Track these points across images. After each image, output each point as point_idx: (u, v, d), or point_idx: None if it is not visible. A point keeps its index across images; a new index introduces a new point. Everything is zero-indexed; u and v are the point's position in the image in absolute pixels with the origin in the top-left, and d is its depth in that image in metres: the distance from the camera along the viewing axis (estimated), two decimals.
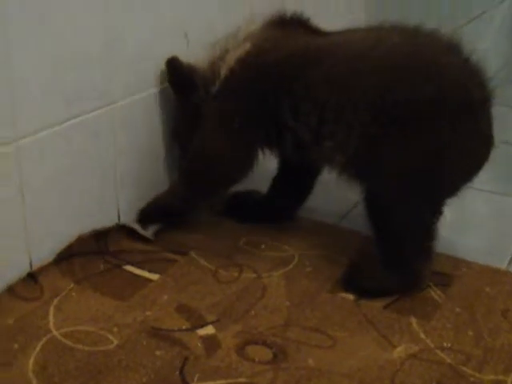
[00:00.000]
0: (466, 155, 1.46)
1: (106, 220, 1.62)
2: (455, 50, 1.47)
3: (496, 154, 1.53)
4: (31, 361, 1.23)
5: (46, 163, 1.44)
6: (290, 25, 1.60)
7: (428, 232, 1.49)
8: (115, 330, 1.32)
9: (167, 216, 1.66)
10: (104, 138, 1.56)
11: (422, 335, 1.35)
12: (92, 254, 1.54)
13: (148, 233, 1.62)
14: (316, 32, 1.61)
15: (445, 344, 1.33)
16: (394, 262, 1.48)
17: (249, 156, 1.59)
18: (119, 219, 1.65)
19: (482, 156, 1.49)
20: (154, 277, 1.49)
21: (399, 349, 1.31)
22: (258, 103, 1.53)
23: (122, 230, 1.62)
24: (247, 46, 1.57)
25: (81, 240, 1.54)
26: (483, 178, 1.54)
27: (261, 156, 1.60)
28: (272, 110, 1.52)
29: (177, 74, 1.64)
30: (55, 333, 1.31)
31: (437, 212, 1.53)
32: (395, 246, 1.48)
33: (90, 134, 1.53)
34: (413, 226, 1.46)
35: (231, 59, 1.57)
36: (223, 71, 1.57)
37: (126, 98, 1.59)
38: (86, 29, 1.46)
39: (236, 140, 1.57)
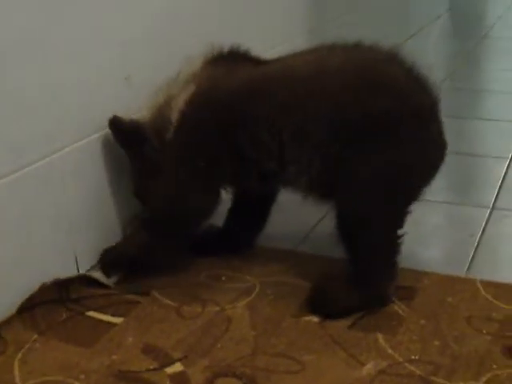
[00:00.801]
0: (424, 161, 1.49)
1: (65, 267, 1.60)
2: (397, 60, 1.51)
3: (447, 165, 1.55)
4: None
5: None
6: (230, 59, 1.60)
7: (396, 246, 1.50)
8: (82, 377, 1.31)
9: (131, 265, 1.63)
10: (54, 185, 1.55)
11: (390, 350, 1.36)
12: (54, 303, 1.52)
13: (110, 281, 1.61)
14: (257, 62, 1.61)
15: (412, 356, 1.34)
16: (362, 279, 1.48)
17: (213, 194, 1.59)
18: (77, 265, 1.63)
19: (438, 159, 1.52)
20: (118, 320, 1.48)
21: (368, 366, 1.32)
22: (215, 141, 1.53)
23: (83, 279, 1.60)
24: (192, 87, 1.57)
25: (42, 290, 1.52)
26: (436, 189, 1.56)
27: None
28: (230, 145, 1.52)
29: (122, 132, 1.63)
30: None
31: (402, 224, 1.54)
32: (366, 263, 1.49)
33: (40, 183, 1.52)
34: (383, 241, 1.49)
35: (179, 103, 1.56)
36: (174, 116, 1.56)
37: (74, 144, 1.59)
38: (27, 78, 1.46)
39: (198, 180, 1.56)
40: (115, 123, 1.62)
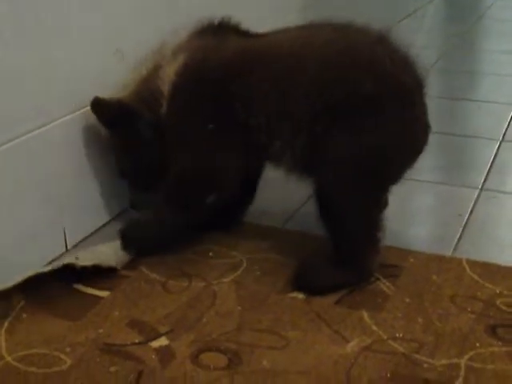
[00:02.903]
0: (408, 142, 1.49)
1: (54, 243, 1.61)
2: (385, 41, 1.50)
3: (434, 145, 1.56)
4: None
5: None
6: (220, 31, 1.60)
7: (376, 223, 1.50)
8: (68, 349, 1.31)
9: (158, 246, 1.62)
10: (43, 158, 1.55)
11: (374, 327, 1.37)
12: (44, 273, 1.51)
13: (118, 263, 1.58)
14: (247, 35, 1.62)
15: (397, 334, 1.35)
16: (345, 256, 1.49)
17: (234, 152, 1.57)
18: (66, 239, 1.64)
19: (422, 141, 1.52)
20: (105, 294, 1.48)
21: (352, 343, 1.33)
22: (212, 112, 1.53)
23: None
24: (181, 57, 1.56)
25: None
26: (425, 168, 1.57)
27: None
28: (228, 112, 1.52)
29: (107, 113, 1.61)
30: (8, 358, 1.30)
31: (383, 202, 1.56)
32: (346, 240, 1.49)
33: (29, 156, 1.52)
34: (362, 218, 1.48)
35: (169, 74, 1.56)
36: (164, 88, 1.56)
37: (63, 118, 1.59)
38: (15, 52, 1.45)
39: (214, 141, 1.55)
40: (98, 104, 1.60)
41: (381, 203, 1.55)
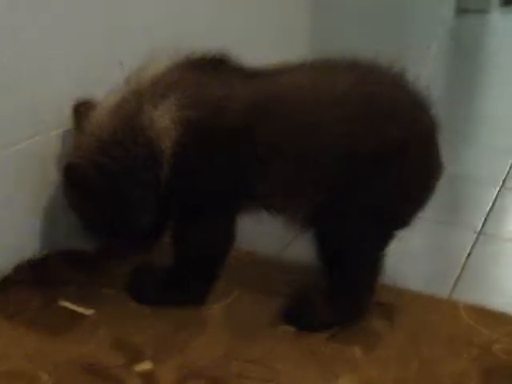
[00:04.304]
0: (424, 187, 1.46)
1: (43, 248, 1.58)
2: (402, 83, 1.44)
3: (439, 186, 1.52)
4: None
5: None
6: (219, 68, 1.43)
7: (378, 265, 1.47)
8: (50, 367, 1.27)
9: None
10: (35, 169, 1.51)
11: (366, 366, 1.32)
12: (27, 286, 1.48)
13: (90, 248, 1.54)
14: (249, 74, 1.44)
15: (389, 374, 1.30)
16: (341, 295, 1.45)
17: (234, 223, 1.48)
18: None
19: (436, 182, 1.48)
20: (90, 312, 1.44)
21: (341, 380, 1.28)
22: (233, 176, 1.41)
23: (60, 256, 1.56)
24: (172, 100, 1.36)
25: (17, 270, 1.49)
26: (427, 208, 1.53)
27: None
28: (241, 178, 1.40)
29: (89, 182, 1.38)
30: None
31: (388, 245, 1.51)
32: (346, 282, 1.45)
33: (20, 166, 1.49)
34: (366, 263, 1.45)
35: (164, 123, 1.35)
36: (164, 143, 1.36)
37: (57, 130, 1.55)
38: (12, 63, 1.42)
39: (222, 216, 1.45)
40: (74, 171, 1.39)
41: (388, 245, 1.49)
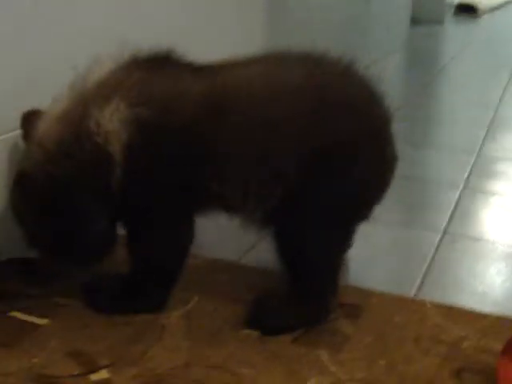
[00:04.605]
0: (379, 182, 1.43)
1: None
2: (354, 76, 1.41)
3: (401, 189, 1.51)
4: None
5: None
6: (164, 65, 1.37)
7: (339, 265, 1.43)
8: None
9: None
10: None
11: (333, 368, 1.27)
12: None
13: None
14: (198, 69, 1.38)
15: (357, 375, 1.25)
16: (304, 295, 1.40)
17: (192, 227, 1.42)
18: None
19: (391, 176, 1.45)
20: (43, 322, 1.37)
21: (310, 383, 1.23)
22: (181, 177, 1.34)
23: (9, 265, 1.50)
24: (119, 101, 1.30)
25: None
26: (389, 211, 1.51)
27: None
28: (196, 179, 1.35)
29: (41, 191, 1.32)
30: None
31: (348, 244, 1.48)
32: (307, 281, 1.40)
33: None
34: (328, 262, 1.40)
35: (112, 127, 1.29)
36: (114, 148, 1.30)
37: None
38: None
39: (178, 218, 1.40)
40: (25, 179, 1.33)
41: (348, 244, 1.47)
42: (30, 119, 1.41)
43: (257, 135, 1.33)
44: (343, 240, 1.43)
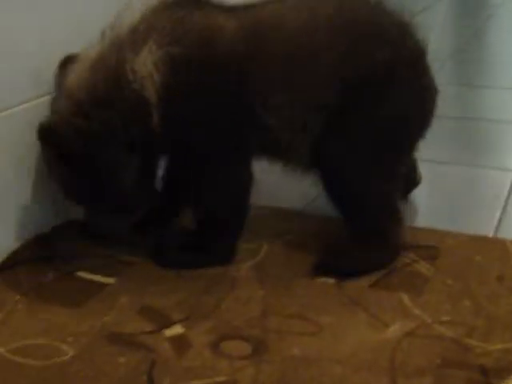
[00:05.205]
0: (423, 109, 1.39)
1: (48, 222, 1.46)
2: (385, 9, 1.38)
3: (465, 129, 1.54)
4: None
5: None
6: (187, 4, 1.33)
7: (395, 196, 1.38)
8: (70, 339, 1.15)
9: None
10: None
11: (416, 311, 1.21)
12: (39, 261, 1.37)
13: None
14: (230, 8, 1.36)
15: (443, 317, 1.19)
16: (369, 235, 1.36)
17: (249, 166, 1.38)
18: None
19: (433, 107, 1.41)
20: (110, 280, 1.32)
21: (393, 327, 1.17)
22: (225, 110, 1.31)
23: (70, 228, 1.46)
24: (156, 44, 1.26)
25: (25, 246, 1.38)
26: (455, 152, 1.43)
27: None
28: (244, 113, 1.31)
29: (66, 145, 1.25)
30: (1, 350, 1.13)
31: (400, 174, 1.42)
32: (363, 220, 1.37)
33: (25, 126, 1.36)
34: (377, 196, 1.36)
35: (146, 70, 1.25)
36: (149, 92, 1.26)
37: None
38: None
39: (234, 156, 1.35)
40: (49, 133, 1.25)
41: (397, 176, 1.40)
42: (67, 66, 1.36)
43: (294, 66, 1.30)
44: (391, 174, 1.38)
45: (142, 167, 1.32)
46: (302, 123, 1.33)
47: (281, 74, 1.31)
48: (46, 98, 1.41)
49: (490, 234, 1.49)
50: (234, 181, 1.35)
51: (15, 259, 1.36)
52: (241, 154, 1.35)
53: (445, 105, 1.45)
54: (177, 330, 1.18)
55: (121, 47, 1.27)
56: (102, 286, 1.31)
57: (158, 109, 1.26)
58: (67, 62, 1.36)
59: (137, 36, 1.28)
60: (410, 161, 1.53)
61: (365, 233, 1.36)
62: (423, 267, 1.34)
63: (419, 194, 1.57)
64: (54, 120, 1.28)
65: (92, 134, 1.25)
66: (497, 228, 1.52)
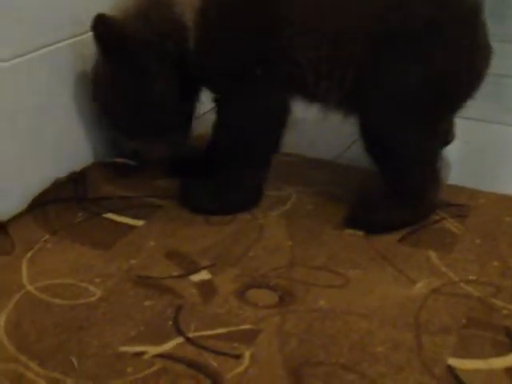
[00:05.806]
0: (469, 68, 1.33)
1: (82, 161, 1.47)
2: None
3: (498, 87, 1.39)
4: (3, 318, 1.07)
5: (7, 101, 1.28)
6: None
7: (434, 155, 1.35)
8: (97, 280, 1.16)
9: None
10: (72, 69, 1.39)
11: (444, 268, 1.20)
12: (69, 201, 1.38)
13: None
14: None
15: (470, 277, 1.18)
16: (404, 191, 1.34)
17: (283, 98, 1.37)
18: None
19: (484, 66, 1.35)
20: (139, 223, 1.33)
21: (420, 284, 1.16)
22: (261, 43, 1.31)
23: (100, 169, 1.46)
24: None
25: (56, 185, 1.39)
26: (487, 111, 1.39)
27: None
28: (276, 47, 1.30)
29: (116, 38, 1.32)
30: (29, 287, 1.15)
31: (441, 133, 1.41)
32: (401, 175, 1.34)
33: (59, 66, 1.36)
34: (416, 152, 1.33)
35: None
36: (187, 16, 1.30)
37: None
38: None
39: (263, 87, 1.33)
40: (103, 25, 1.31)
41: (438, 134, 1.38)
42: None
43: (324, 9, 1.29)
44: (432, 131, 1.34)
45: (180, 90, 1.35)
46: (327, 69, 1.30)
47: (311, 15, 1.29)
48: (85, 37, 1.39)
49: None
50: (261, 113, 1.34)
51: (46, 198, 1.37)
52: (269, 85, 1.33)
53: None
54: (203, 275, 1.18)
55: None
56: (131, 228, 1.31)
57: (195, 31, 1.30)
58: None
59: None
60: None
61: (401, 189, 1.34)
62: (452, 225, 1.33)
63: (451, 151, 1.55)
64: (108, 17, 1.31)
65: (134, 40, 1.31)
66: None
